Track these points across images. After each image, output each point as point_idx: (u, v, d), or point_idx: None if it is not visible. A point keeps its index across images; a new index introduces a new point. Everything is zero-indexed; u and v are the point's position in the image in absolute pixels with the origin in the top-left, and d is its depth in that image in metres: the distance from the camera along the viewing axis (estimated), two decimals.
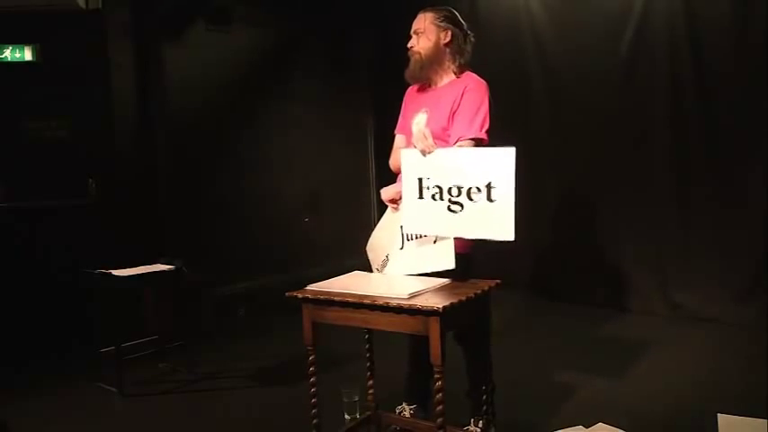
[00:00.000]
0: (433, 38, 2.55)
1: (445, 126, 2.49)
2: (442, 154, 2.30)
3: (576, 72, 4.91)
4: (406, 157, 2.37)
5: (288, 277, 4.72)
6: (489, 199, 2.16)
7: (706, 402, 2.94)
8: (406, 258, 2.46)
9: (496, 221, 2.15)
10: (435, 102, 2.57)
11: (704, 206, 4.38)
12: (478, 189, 2.18)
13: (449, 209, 2.25)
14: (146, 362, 3.75)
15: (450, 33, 2.56)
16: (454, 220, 2.25)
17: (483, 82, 2.54)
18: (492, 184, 2.15)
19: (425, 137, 2.29)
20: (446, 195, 2.26)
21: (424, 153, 2.30)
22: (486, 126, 2.46)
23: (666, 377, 3.39)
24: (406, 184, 2.36)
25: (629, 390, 3.23)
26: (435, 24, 2.56)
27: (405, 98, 2.76)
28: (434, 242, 2.37)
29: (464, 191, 2.22)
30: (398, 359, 2.83)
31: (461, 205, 2.23)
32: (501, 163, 2.14)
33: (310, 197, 5.81)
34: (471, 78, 2.55)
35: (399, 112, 2.77)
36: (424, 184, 2.31)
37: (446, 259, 2.31)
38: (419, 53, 2.57)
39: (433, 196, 2.29)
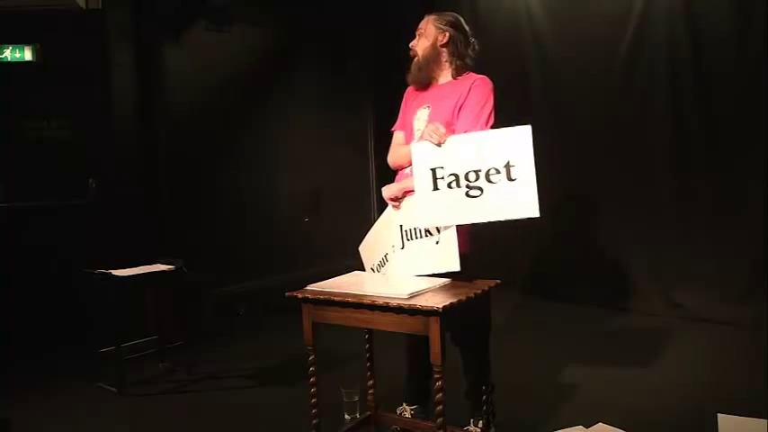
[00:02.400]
0: (430, 39, 2.60)
1: (450, 120, 2.49)
2: (454, 141, 2.29)
3: (576, 71, 4.91)
4: (415, 151, 2.36)
5: (288, 277, 4.73)
6: (509, 178, 2.16)
7: (706, 402, 2.94)
8: (408, 259, 2.45)
9: (519, 200, 2.15)
10: (438, 98, 2.58)
11: (704, 206, 4.38)
12: (497, 170, 2.17)
13: (467, 195, 2.23)
14: (146, 362, 3.74)
15: (447, 35, 2.59)
16: (474, 206, 2.22)
17: (488, 80, 2.56)
18: (511, 163, 2.15)
19: (437, 127, 2.30)
20: (463, 182, 2.24)
21: (440, 144, 2.29)
22: (492, 122, 2.47)
23: (666, 377, 3.39)
24: (419, 178, 2.33)
25: (629, 390, 3.23)
26: (435, 26, 2.61)
27: (405, 97, 2.77)
28: (437, 243, 2.35)
29: (482, 174, 2.20)
30: (398, 359, 2.83)
31: (480, 189, 2.21)
32: (518, 142, 2.14)
33: (310, 197, 5.81)
34: (477, 76, 2.57)
35: (399, 112, 2.78)
36: (438, 174, 2.28)
37: (450, 261, 2.30)
38: (417, 54, 2.63)
39: (449, 185, 2.26)
